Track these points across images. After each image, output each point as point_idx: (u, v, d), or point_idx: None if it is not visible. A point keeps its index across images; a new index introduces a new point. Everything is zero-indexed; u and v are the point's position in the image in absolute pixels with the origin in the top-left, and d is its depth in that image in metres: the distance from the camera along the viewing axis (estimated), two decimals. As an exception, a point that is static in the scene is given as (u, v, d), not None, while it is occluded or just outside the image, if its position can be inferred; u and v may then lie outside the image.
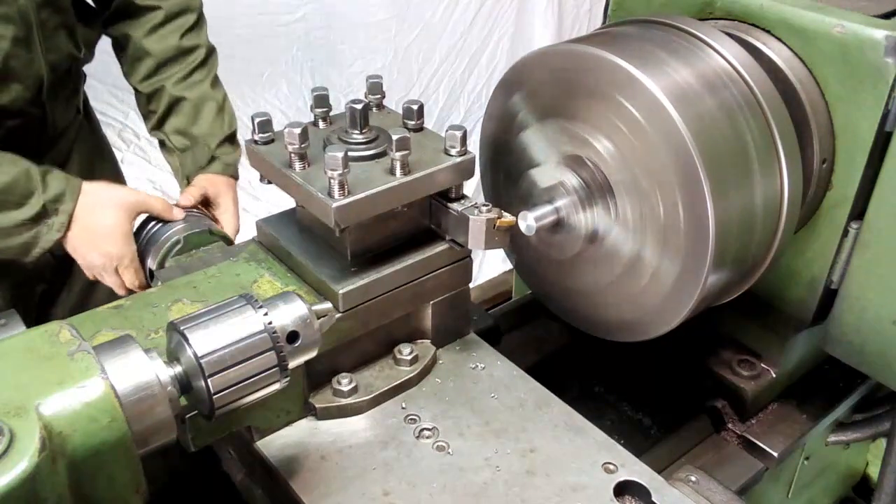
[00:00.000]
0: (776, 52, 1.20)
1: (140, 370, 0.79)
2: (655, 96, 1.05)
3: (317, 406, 1.12)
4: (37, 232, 1.37)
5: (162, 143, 1.77)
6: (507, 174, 1.33)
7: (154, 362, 0.81)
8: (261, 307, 0.88)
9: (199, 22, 1.77)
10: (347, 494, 1.01)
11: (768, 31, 1.23)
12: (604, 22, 1.45)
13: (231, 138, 1.75)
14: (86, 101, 1.88)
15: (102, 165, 1.91)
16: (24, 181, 1.34)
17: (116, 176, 1.98)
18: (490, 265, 3.25)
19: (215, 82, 1.78)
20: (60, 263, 1.83)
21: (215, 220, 1.62)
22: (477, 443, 1.08)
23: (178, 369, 0.85)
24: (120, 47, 1.78)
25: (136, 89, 1.77)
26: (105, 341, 0.82)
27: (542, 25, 4.39)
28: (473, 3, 4.51)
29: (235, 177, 1.74)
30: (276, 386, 0.90)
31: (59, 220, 1.38)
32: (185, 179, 1.71)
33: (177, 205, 1.51)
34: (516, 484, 1.02)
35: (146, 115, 1.78)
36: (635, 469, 1.04)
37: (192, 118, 1.71)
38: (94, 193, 1.42)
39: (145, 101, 1.75)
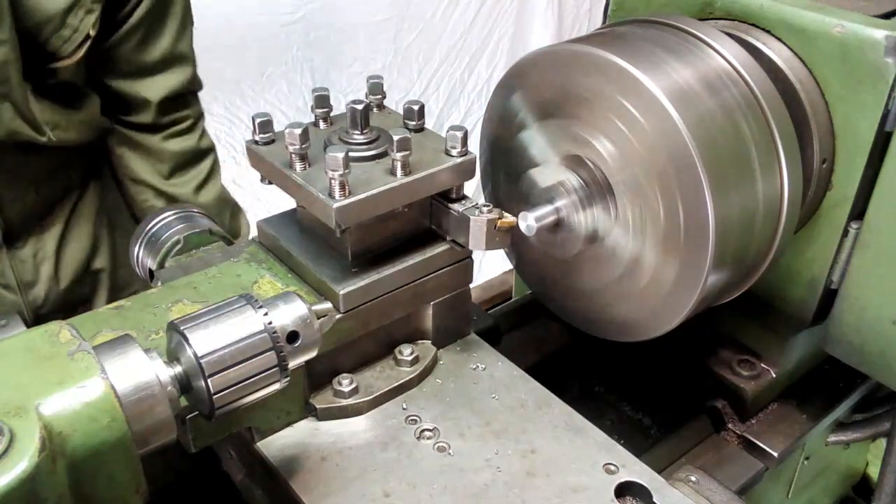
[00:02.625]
0: (776, 52, 1.20)
1: (140, 370, 0.79)
2: (655, 96, 1.05)
3: (317, 407, 1.12)
4: None
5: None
6: (507, 174, 1.33)
7: (154, 362, 0.81)
8: (261, 307, 0.88)
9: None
10: (347, 495, 1.01)
11: (768, 31, 1.23)
12: (604, 22, 1.45)
13: None
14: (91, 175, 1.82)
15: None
16: None
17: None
18: (490, 265, 3.25)
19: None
20: (73, 307, 1.83)
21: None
22: (477, 443, 1.08)
23: (178, 369, 0.85)
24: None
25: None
26: (105, 341, 0.82)
27: (542, 25, 4.39)
28: (473, 3, 4.51)
29: None
30: (276, 386, 0.90)
31: None
32: None
33: None
34: (517, 485, 1.02)
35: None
36: (636, 470, 1.04)
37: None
38: None
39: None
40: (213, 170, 1.91)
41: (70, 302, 1.81)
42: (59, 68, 1.52)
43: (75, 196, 1.76)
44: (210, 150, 1.91)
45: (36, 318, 1.73)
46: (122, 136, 1.81)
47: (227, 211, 1.97)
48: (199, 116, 1.89)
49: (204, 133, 1.89)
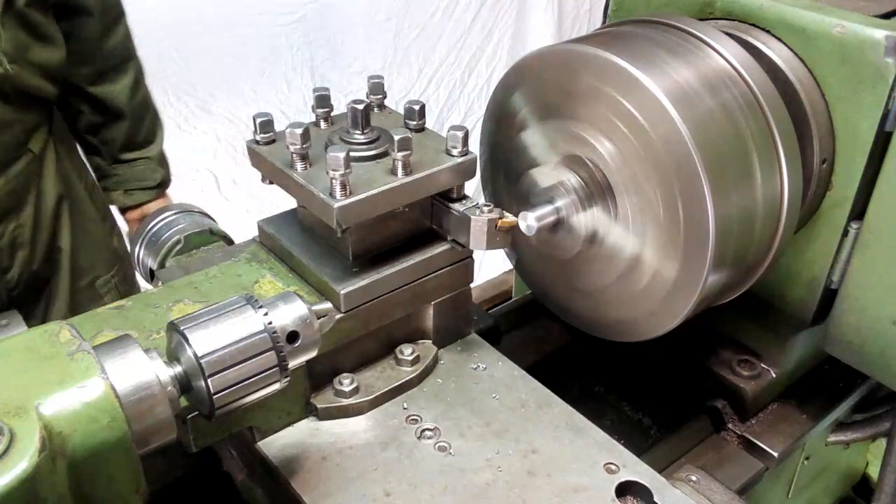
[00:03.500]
0: (776, 52, 1.20)
1: (140, 370, 0.79)
2: (655, 96, 1.05)
3: (318, 406, 1.12)
4: None
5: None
6: (507, 174, 1.33)
7: (154, 362, 0.81)
8: (261, 307, 0.88)
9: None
10: (348, 495, 1.01)
11: (768, 31, 1.23)
12: (604, 22, 1.45)
13: None
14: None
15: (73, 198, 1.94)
16: None
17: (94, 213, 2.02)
18: (490, 265, 3.26)
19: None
20: (38, 287, 1.85)
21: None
22: (478, 443, 1.08)
23: (178, 369, 0.85)
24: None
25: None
26: (105, 341, 0.82)
27: (542, 25, 4.40)
28: (473, 3, 4.51)
29: None
30: (276, 386, 0.90)
31: None
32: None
33: None
34: (517, 485, 1.02)
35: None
36: (637, 469, 1.04)
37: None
38: None
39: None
40: (140, 75, 2.00)
41: (37, 282, 1.85)
42: None
43: (38, 177, 1.80)
44: (134, 55, 1.98)
45: (9, 300, 1.78)
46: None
47: (149, 118, 2.04)
48: (124, 10, 1.94)
49: (129, 34, 1.95)
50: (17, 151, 1.71)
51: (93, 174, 2.07)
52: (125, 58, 1.95)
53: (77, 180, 1.95)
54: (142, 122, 2.02)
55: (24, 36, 1.63)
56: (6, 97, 1.63)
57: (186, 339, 0.84)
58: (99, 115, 1.97)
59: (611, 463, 1.04)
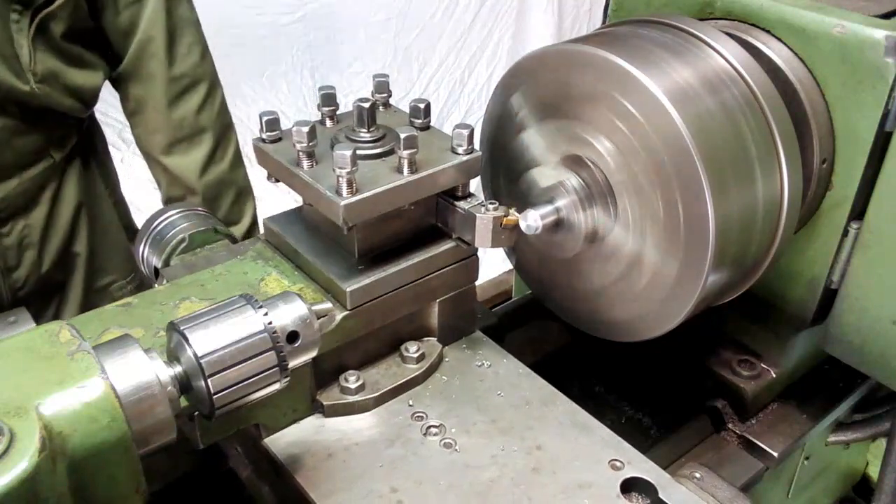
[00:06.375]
0: (776, 52, 1.20)
1: (140, 370, 0.79)
2: (655, 96, 1.05)
3: (324, 403, 1.12)
4: None
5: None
6: (507, 174, 1.33)
7: (154, 362, 0.81)
8: (261, 307, 0.88)
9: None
10: (354, 491, 1.01)
11: (768, 31, 1.23)
12: (604, 22, 1.45)
13: None
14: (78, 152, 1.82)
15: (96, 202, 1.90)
16: None
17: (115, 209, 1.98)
18: (490, 265, 3.26)
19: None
20: (50, 289, 1.85)
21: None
22: (483, 440, 1.08)
23: (178, 369, 0.85)
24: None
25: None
26: (105, 341, 0.82)
27: (542, 25, 4.40)
28: (473, 3, 4.52)
29: None
30: (276, 386, 0.90)
31: None
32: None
33: None
34: (522, 482, 1.02)
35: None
36: (642, 466, 1.04)
37: None
38: None
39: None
40: (218, 150, 1.89)
41: (49, 284, 1.83)
42: (54, 11, 1.54)
43: (56, 182, 1.77)
44: (209, 128, 1.87)
45: (14, 300, 1.76)
46: (130, 104, 1.83)
47: (229, 196, 1.94)
48: (205, 80, 1.84)
49: (206, 106, 1.85)
50: (36, 156, 1.69)
51: (120, 187, 2.01)
52: (197, 130, 1.84)
53: (104, 190, 1.92)
54: (218, 201, 1.92)
55: (57, 60, 1.59)
56: (29, 112, 1.60)
57: (186, 339, 0.84)
58: (175, 188, 1.88)
59: (616, 460, 1.04)
